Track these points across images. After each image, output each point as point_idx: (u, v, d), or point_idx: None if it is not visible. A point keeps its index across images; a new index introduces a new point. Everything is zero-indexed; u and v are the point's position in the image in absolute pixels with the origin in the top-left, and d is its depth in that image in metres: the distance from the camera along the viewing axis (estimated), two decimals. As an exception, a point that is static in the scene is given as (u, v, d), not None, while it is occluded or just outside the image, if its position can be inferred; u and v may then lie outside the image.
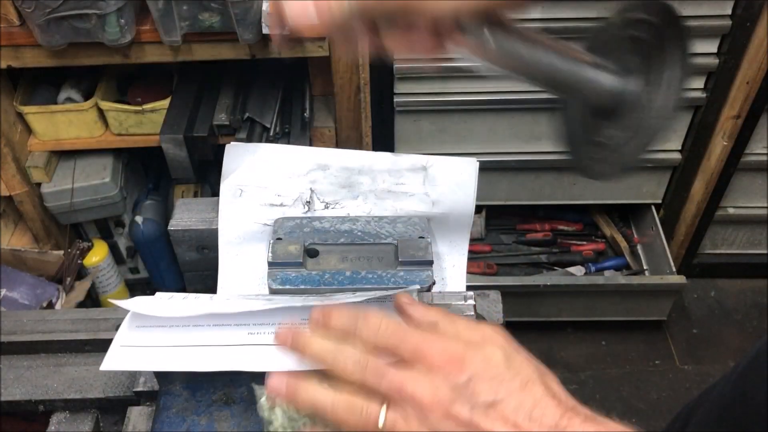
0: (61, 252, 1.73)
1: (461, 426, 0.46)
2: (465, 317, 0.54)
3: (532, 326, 1.90)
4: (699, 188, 1.81)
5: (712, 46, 1.58)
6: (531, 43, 0.55)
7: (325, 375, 0.51)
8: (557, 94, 0.59)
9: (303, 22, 0.52)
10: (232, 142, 0.74)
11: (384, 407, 0.47)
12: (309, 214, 0.72)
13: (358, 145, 1.70)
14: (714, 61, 1.58)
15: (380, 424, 0.47)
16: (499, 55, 0.54)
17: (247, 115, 1.57)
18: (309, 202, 0.73)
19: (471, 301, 0.62)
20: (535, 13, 1.46)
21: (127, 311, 0.60)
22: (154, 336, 0.58)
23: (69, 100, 1.64)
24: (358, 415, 0.48)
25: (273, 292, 0.64)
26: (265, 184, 0.71)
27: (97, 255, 1.83)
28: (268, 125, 1.57)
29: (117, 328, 0.70)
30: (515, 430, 0.45)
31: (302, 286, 0.64)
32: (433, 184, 0.72)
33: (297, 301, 0.60)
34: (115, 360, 0.57)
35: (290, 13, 0.52)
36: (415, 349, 0.48)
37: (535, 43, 0.55)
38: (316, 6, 0.51)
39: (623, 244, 2.00)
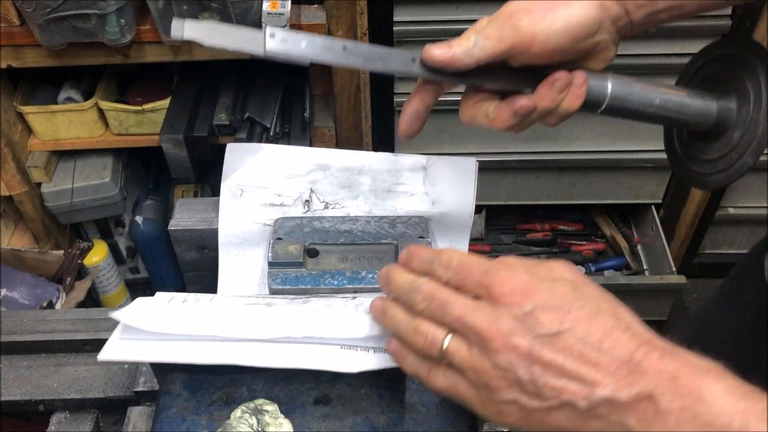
0: (61, 252, 1.73)
1: (522, 357, 0.45)
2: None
3: (532, 326, 1.89)
4: (699, 188, 1.81)
5: (712, 46, 1.57)
6: (639, 84, 0.61)
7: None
8: (664, 123, 0.66)
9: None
10: (233, 142, 0.74)
11: (450, 335, 0.49)
12: (309, 214, 0.72)
13: (358, 145, 1.70)
14: (714, 61, 1.58)
15: (444, 346, 0.48)
16: (615, 97, 0.61)
17: (247, 115, 1.57)
18: (308, 201, 0.73)
19: (471, 301, 0.62)
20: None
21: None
22: (151, 344, 0.58)
23: (69, 100, 1.65)
24: (424, 338, 0.50)
25: (273, 292, 0.65)
26: (266, 184, 0.72)
27: (97, 255, 1.84)
28: (268, 125, 1.57)
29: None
30: (581, 361, 0.44)
31: (302, 286, 0.64)
32: (432, 184, 0.73)
33: (294, 314, 0.61)
34: (113, 351, 0.57)
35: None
36: (479, 282, 0.49)
37: (643, 84, 0.61)
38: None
39: (623, 244, 2.00)
